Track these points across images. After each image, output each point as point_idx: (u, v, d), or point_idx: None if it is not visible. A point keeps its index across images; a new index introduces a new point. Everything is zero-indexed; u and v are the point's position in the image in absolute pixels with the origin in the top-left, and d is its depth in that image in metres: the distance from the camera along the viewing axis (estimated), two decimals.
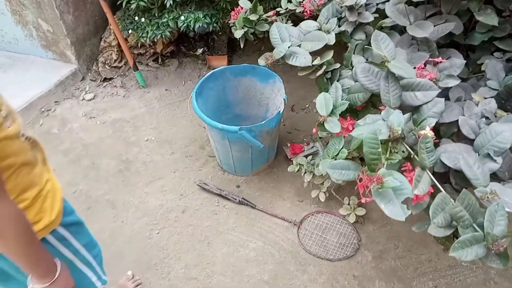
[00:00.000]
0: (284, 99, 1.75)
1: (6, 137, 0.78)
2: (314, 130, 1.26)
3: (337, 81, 1.30)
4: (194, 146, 2.10)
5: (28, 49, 2.39)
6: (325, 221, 1.78)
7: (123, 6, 2.06)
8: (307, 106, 2.25)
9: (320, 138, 2.00)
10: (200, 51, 2.49)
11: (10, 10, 2.25)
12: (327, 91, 1.29)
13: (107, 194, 1.89)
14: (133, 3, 2.00)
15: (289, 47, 1.31)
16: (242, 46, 1.79)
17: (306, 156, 1.84)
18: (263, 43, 2.56)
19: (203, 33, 2.43)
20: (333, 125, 1.17)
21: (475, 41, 1.33)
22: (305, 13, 1.61)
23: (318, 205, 1.83)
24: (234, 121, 2.01)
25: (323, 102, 1.20)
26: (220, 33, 2.46)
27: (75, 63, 2.34)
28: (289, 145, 2.01)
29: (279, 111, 1.73)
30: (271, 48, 2.70)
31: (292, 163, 1.81)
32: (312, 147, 1.99)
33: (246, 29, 1.70)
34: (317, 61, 1.29)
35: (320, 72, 1.30)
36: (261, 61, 1.37)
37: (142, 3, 2.00)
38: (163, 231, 1.75)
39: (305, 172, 1.76)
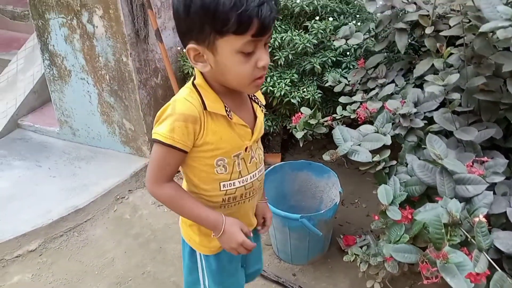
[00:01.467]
0: (340, 192, 1.95)
1: None
2: (376, 217, 1.43)
3: (394, 175, 1.50)
4: None
5: (109, 144, 2.75)
6: None
7: None
8: (356, 201, 2.42)
9: (371, 231, 2.14)
10: None
11: (100, 112, 2.66)
12: (385, 184, 1.48)
13: (172, 277, 2.04)
14: None
15: (351, 146, 1.55)
16: (301, 145, 2.05)
17: (361, 247, 1.97)
18: (312, 143, 2.83)
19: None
20: (395, 213, 1.34)
21: None
22: (359, 119, 1.87)
23: None
24: (290, 211, 2.19)
25: (384, 193, 1.39)
26: (274, 134, 2.76)
27: (149, 157, 2.66)
28: (342, 236, 2.14)
29: (336, 203, 1.91)
30: (319, 148, 2.98)
31: (347, 253, 1.93)
32: (364, 239, 2.11)
33: (305, 131, 1.97)
34: (376, 158, 1.51)
35: (380, 167, 1.51)
36: (326, 156, 1.61)
37: None
38: None
39: (360, 262, 1.87)
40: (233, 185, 1.12)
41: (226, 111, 1.04)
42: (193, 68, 2.46)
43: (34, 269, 2.10)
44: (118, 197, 2.50)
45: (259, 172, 1.18)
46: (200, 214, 1.08)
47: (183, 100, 1.02)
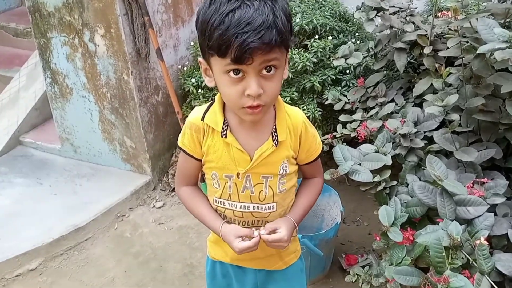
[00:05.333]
0: (341, 211, 1.94)
1: None
2: (377, 238, 1.43)
3: (395, 196, 1.50)
4: None
5: (110, 161, 2.75)
6: None
7: None
8: (358, 219, 2.42)
9: (373, 250, 2.13)
10: None
11: (101, 129, 2.67)
12: (386, 205, 1.48)
13: None
14: None
15: (352, 165, 1.55)
16: None
17: (363, 267, 1.95)
18: None
19: None
20: (396, 235, 1.34)
21: None
22: (359, 137, 1.88)
23: None
24: None
25: (385, 214, 1.39)
26: None
27: (150, 174, 2.67)
28: (344, 256, 2.13)
29: (337, 222, 1.90)
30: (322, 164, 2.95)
31: (349, 274, 1.92)
32: (366, 258, 2.10)
33: None
34: (377, 178, 1.51)
35: (380, 187, 1.52)
36: (327, 175, 1.61)
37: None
38: None
39: (362, 283, 1.85)
40: (223, 204, 1.13)
41: (223, 128, 1.04)
42: (193, 86, 2.47)
43: None
44: (118, 215, 2.50)
45: (256, 209, 1.11)
46: (204, 218, 1.15)
47: (196, 109, 1.10)
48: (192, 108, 2.49)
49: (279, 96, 1.04)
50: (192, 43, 2.67)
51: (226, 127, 1.04)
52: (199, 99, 2.43)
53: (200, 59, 1.00)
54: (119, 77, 2.44)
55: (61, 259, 2.24)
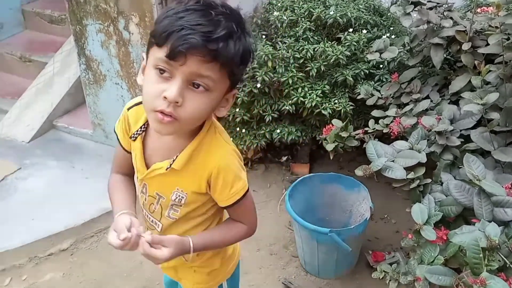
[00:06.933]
0: (370, 207, 1.93)
1: None
2: (409, 236, 1.42)
3: (429, 194, 1.48)
4: (279, 245, 2.26)
5: None
6: None
7: (230, 119, 2.44)
8: (386, 216, 2.40)
9: (401, 248, 2.11)
10: (284, 158, 2.78)
11: None
12: (419, 203, 1.46)
13: None
14: (238, 117, 2.38)
15: (385, 162, 1.53)
16: (332, 157, 2.04)
17: (390, 264, 1.94)
18: (341, 155, 2.81)
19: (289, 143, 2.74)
20: (429, 233, 1.32)
21: None
22: (391, 133, 1.86)
23: None
24: (318, 224, 2.18)
25: (419, 212, 1.37)
26: (303, 144, 2.75)
27: None
28: (371, 252, 2.12)
29: (366, 218, 1.89)
30: (349, 160, 2.95)
31: (376, 270, 1.91)
32: (393, 256, 2.08)
33: (336, 143, 1.96)
34: (411, 176, 1.49)
35: (414, 185, 1.50)
36: (359, 171, 1.60)
37: (245, 117, 2.38)
38: None
39: (390, 280, 1.84)
40: (139, 201, 1.10)
41: (139, 129, 1.00)
42: None
43: (66, 268, 2.16)
44: None
45: (147, 217, 1.09)
46: (113, 205, 1.06)
47: (137, 97, 1.05)
48: None
49: (215, 129, 0.98)
50: None
51: (142, 131, 1.00)
52: None
53: (143, 53, 0.94)
54: None
55: (91, 240, 2.30)
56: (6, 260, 2.17)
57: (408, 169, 1.52)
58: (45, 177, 2.63)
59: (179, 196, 1.01)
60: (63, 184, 2.58)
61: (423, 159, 1.52)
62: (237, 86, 0.95)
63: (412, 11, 1.96)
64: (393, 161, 1.56)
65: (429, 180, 1.53)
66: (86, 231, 2.31)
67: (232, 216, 1.09)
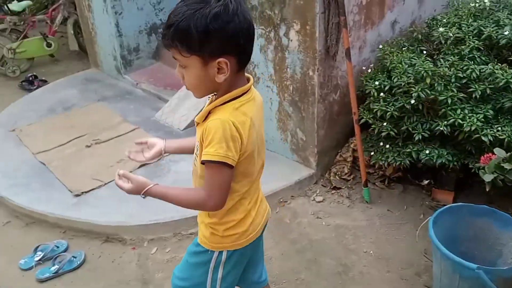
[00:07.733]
0: None
1: None
2: None
3: None
4: (411, 271, 2.15)
5: (279, 149, 2.92)
6: None
7: (375, 132, 2.40)
8: None
9: None
10: (426, 182, 2.63)
11: (277, 119, 2.84)
12: None
13: None
14: (384, 132, 2.32)
15: None
16: (488, 190, 1.87)
17: None
18: (492, 188, 2.56)
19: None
20: None
21: None
22: None
23: None
24: (460, 258, 2.02)
25: None
26: (450, 169, 2.57)
27: (314, 168, 2.75)
28: None
29: None
30: (502, 194, 2.67)
31: None
32: None
33: (496, 175, 1.80)
34: None
35: None
36: None
37: (392, 133, 2.31)
38: None
39: None
40: None
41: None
42: (376, 89, 2.44)
43: None
44: (281, 200, 2.64)
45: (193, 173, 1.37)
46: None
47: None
48: (368, 110, 2.48)
49: (233, 103, 1.19)
50: (380, 46, 2.63)
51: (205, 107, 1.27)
52: (379, 103, 2.40)
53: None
54: (305, 72, 2.55)
55: None
56: (156, 232, 2.46)
57: None
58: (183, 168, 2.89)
59: (197, 145, 1.26)
60: None
61: None
62: (224, 54, 1.13)
63: None
64: None
65: None
66: None
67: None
